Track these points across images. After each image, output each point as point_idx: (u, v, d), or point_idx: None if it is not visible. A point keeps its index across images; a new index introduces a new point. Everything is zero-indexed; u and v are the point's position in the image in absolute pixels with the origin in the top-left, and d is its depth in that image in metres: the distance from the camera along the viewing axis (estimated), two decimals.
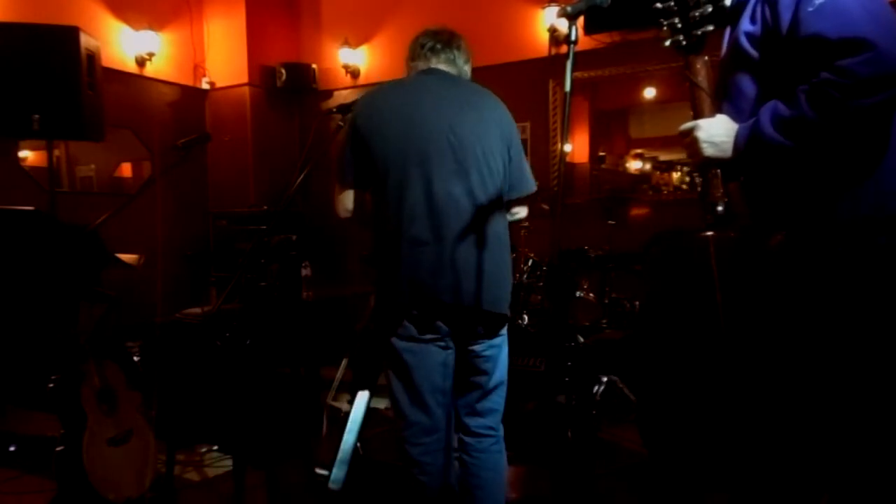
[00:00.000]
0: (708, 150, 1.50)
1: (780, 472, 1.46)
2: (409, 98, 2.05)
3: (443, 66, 2.13)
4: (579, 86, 4.63)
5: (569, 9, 1.58)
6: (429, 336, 1.93)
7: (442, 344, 1.95)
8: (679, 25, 1.50)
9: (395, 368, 1.97)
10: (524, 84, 4.86)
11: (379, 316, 2.01)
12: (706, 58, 1.52)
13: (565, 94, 1.60)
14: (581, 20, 1.63)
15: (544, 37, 4.75)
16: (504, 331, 2.05)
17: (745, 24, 1.52)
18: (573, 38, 1.57)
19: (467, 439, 2.04)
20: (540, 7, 4.79)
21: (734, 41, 1.55)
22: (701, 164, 1.53)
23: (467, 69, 2.17)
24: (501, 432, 2.07)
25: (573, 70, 1.60)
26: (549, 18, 4.70)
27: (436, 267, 1.89)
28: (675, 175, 4.89)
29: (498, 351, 2.04)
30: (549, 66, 4.68)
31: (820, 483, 1.47)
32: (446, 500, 1.98)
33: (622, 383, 3.36)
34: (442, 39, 2.18)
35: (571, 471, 2.27)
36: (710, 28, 1.47)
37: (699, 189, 1.54)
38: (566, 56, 1.59)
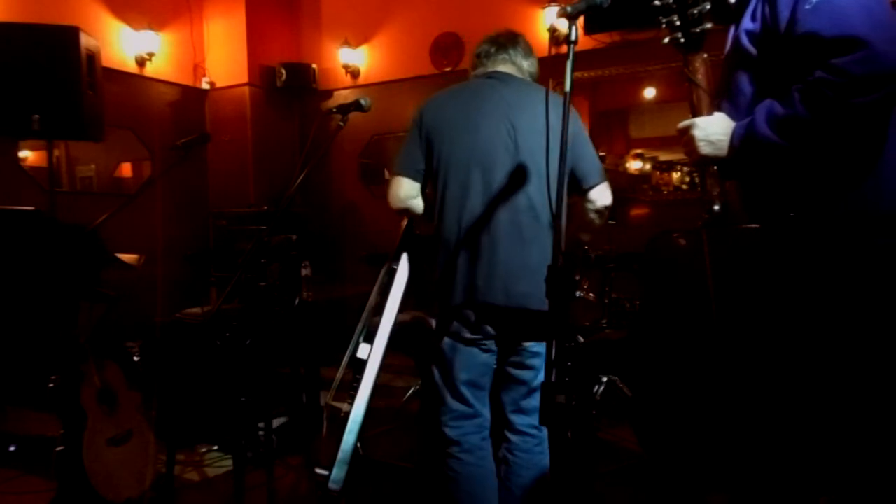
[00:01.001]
0: (705, 149, 1.50)
1: (779, 473, 1.46)
2: (472, 100, 2.08)
3: (502, 68, 2.16)
4: (579, 86, 4.63)
5: (569, 9, 1.58)
6: (475, 337, 2.02)
7: (485, 346, 2.04)
8: (678, 23, 1.50)
9: (438, 361, 2.09)
10: None
11: (436, 310, 2.12)
12: (705, 56, 1.51)
13: (565, 93, 1.59)
14: (581, 20, 1.62)
15: (544, 37, 4.75)
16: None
17: (747, 22, 1.52)
18: (573, 38, 1.57)
19: (512, 437, 2.10)
20: (540, 7, 4.79)
21: (735, 39, 1.56)
22: (698, 162, 1.53)
23: (528, 65, 2.20)
24: (545, 434, 2.10)
25: (573, 70, 1.60)
26: (549, 18, 4.70)
27: (490, 271, 1.95)
28: (675, 175, 4.89)
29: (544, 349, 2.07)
30: (549, 66, 4.63)
31: (819, 484, 1.47)
32: (486, 481, 2.06)
33: (622, 383, 3.35)
34: (498, 42, 2.20)
35: (571, 471, 2.27)
36: (709, 26, 1.47)
37: (699, 188, 1.54)
38: (566, 56, 1.59)
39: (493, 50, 2.18)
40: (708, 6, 1.45)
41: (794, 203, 1.47)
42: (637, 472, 2.80)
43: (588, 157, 2.10)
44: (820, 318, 1.42)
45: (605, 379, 3.37)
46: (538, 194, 1.98)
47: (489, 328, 2.02)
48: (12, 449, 3.13)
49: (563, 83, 1.66)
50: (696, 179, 4.67)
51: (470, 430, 2.08)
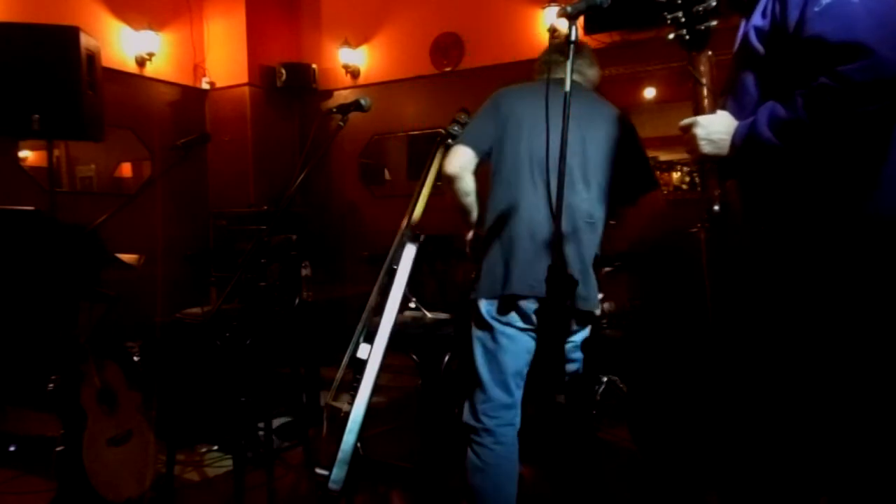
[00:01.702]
0: (706, 148, 1.49)
1: (779, 473, 1.46)
2: (541, 101, 2.08)
3: (568, 85, 2.20)
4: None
5: (569, 9, 1.58)
6: (524, 325, 2.09)
7: (533, 334, 2.11)
8: (683, 20, 1.49)
9: (485, 348, 2.12)
10: None
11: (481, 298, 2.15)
12: (710, 53, 1.50)
13: (565, 93, 1.60)
14: (581, 20, 1.63)
15: (544, 37, 4.75)
16: (588, 329, 2.21)
17: (756, 18, 1.50)
18: (573, 38, 1.57)
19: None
20: (540, 7, 4.79)
21: (744, 36, 1.53)
22: (698, 160, 1.52)
23: (591, 74, 2.33)
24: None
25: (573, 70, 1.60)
26: (549, 18, 4.70)
27: (540, 264, 2.01)
28: (676, 175, 4.89)
29: (580, 345, 2.20)
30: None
31: (819, 484, 1.46)
32: (512, 476, 2.10)
33: (622, 383, 3.35)
34: (564, 51, 2.23)
35: (571, 471, 2.27)
36: (714, 23, 1.46)
37: (699, 188, 1.54)
38: (566, 56, 1.59)
39: (561, 59, 2.27)
40: (714, 3, 1.44)
41: (793, 205, 1.46)
42: (637, 471, 2.80)
43: (642, 163, 2.22)
44: (818, 320, 1.41)
45: (605, 379, 3.37)
46: (597, 205, 2.13)
47: (535, 316, 2.09)
48: (12, 449, 3.13)
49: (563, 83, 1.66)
50: (697, 179, 4.67)
51: (506, 420, 2.12)
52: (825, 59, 1.31)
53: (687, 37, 1.49)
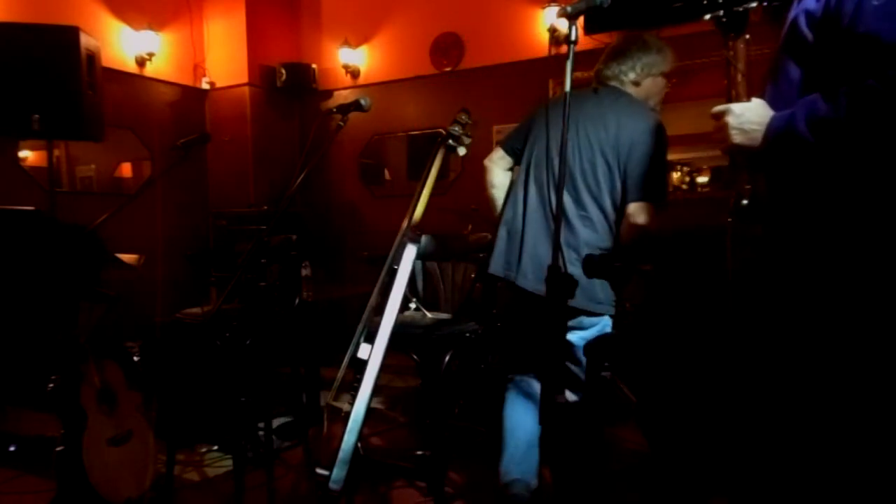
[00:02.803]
0: (737, 138, 1.42)
1: (786, 477, 1.43)
2: (560, 111, 2.19)
3: (568, 85, 2.29)
4: (579, 86, 4.62)
5: (569, 9, 1.58)
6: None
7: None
8: (720, 1, 1.43)
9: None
10: (524, 84, 4.86)
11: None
12: (747, 37, 1.43)
13: (565, 93, 1.59)
14: (581, 20, 1.62)
15: (544, 37, 4.75)
16: (588, 326, 2.29)
17: (809, 1, 1.40)
18: (573, 38, 1.57)
19: None
20: (540, 7, 4.79)
21: (793, 20, 1.44)
22: (729, 150, 1.44)
23: (633, 76, 2.34)
24: None
25: (573, 70, 1.60)
26: (549, 18, 4.70)
27: (511, 250, 2.29)
28: (675, 175, 4.89)
29: (578, 340, 2.28)
30: (549, 66, 4.68)
31: (832, 488, 1.41)
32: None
33: (621, 382, 3.35)
34: (607, 57, 2.39)
35: (571, 471, 2.27)
36: (753, 4, 1.39)
37: (726, 181, 1.50)
38: (566, 56, 1.59)
39: (600, 68, 2.39)
40: None
41: (821, 203, 1.38)
42: (637, 472, 2.80)
43: (638, 173, 2.18)
44: (843, 322, 1.34)
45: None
46: (588, 204, 2.22)
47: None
48: (12, 449, 3.13)
49: (563, 83, 1.66)
50: (697, 180, 4.67)
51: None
52: (877, 59, 1.22)
53: (724, 19, 1.43)
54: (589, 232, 2.22)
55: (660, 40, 2.38)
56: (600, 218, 2.22)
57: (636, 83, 2.34)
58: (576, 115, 2.24)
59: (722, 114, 1.45)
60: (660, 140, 2.21)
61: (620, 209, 2.22)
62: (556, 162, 2.09)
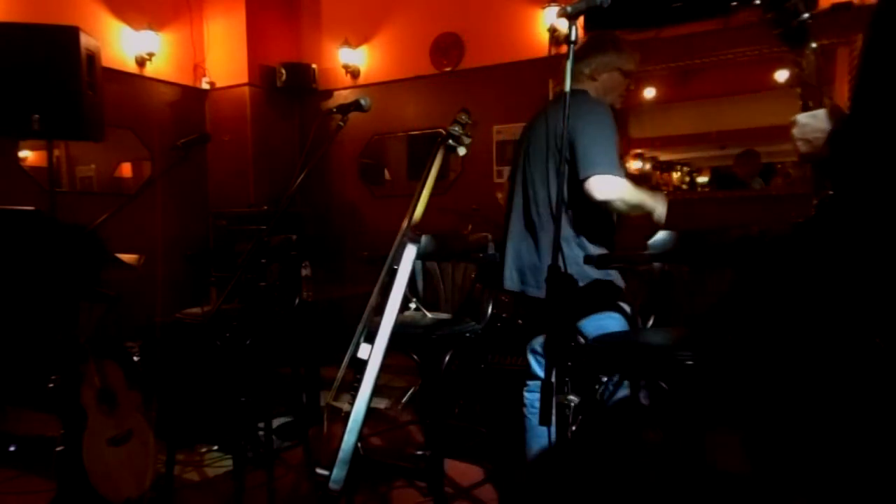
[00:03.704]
0: (802, 147, 1.45)
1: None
2: (538, 119, 2.48)
3: (568, 85, 2.37)
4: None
5: (569, 9, 1.58)
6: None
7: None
8: (778, 17, 1.46)
9: None
10: (524, 84, 4.86)
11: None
12: (814, 46, 1.46)
13: (565, 94, 1.59)
14: (581, 20, 1.62)
15: (544, 37, 4.75)
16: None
17: None
18: (573, 38, 1.57)
19: None
20: (540, 7, 4.79)
21: None
22: (800, 160, 1.48)
23: (587, 70, 2.41)
24: None
25: (573, 70, 1.60)
26: (549, 18, 4.70)
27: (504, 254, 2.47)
28: (675, 175, 4.89)
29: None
30: (549, 66, 4.68)
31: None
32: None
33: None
34: (576, 56, 2.34)
35: (572, 470, 2.27)
36: (806, 16, 1.41)
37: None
38: (566, 56, 1.59)
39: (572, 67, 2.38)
40: None
41: (884, 211, 1.34)
42: (638, 471, 2.80)
43: (581, 148, 2.18)
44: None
45: (605, 379, 3.36)
46: (541, 192, 2.35)
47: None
48: (12, 449, 3.13)
49: (563, 83, 1.66)
50: (698, 179, 4.67)
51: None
52: None
53: (784, 32, 1.46)
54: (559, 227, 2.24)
55: (622, 40, 2.45)
56: (568, 210, 2.29)
57: (592, 77, 2.41)
58: (539, 124, 2.41)
59: (791, 125, 1.47)
60: (598, 118, 2.23)
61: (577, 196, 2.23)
62: (537, 160, 2.35)
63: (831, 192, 1.43)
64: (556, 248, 1.72)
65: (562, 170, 2.05)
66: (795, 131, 1.45)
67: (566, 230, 2.27)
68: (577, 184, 2.17)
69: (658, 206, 2.26)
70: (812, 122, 1.44)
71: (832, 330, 1.36)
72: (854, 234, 1.39)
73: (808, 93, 1.47)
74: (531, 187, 2.38)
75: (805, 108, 1.48)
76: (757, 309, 1.51)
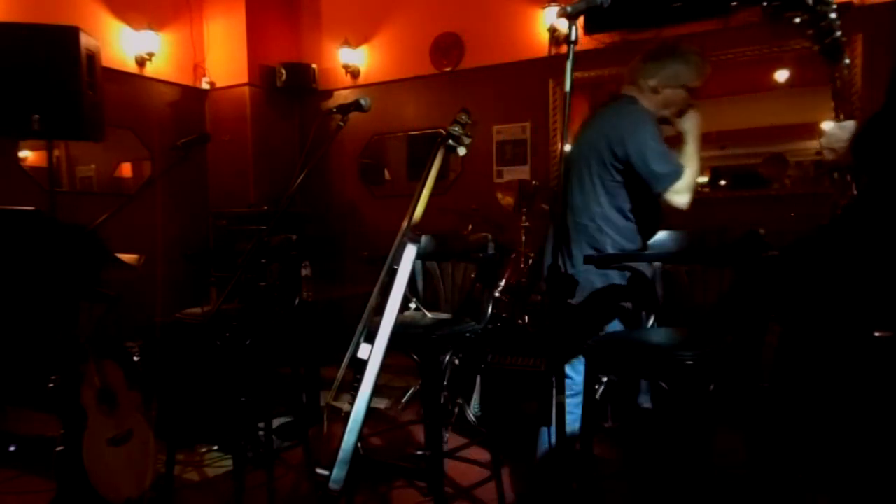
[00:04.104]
0: (828, 156, 1.54)
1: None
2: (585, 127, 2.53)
3: (624, 91, 2.46)
4: (579, 86, 4.63)
5: (569, 9, 1.58)
6: None
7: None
8: (815, 32, 1.56)
9: None
10: (524, 84, 4.86)
11: None
12: (846, 61, 1.56)
13: (565, 94, 1.59)
14: (581, 20, 1.63)
15: (544, 37, 4.75)
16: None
17: None
18: (573, 38, 1.57)
19: None
20: (540, 7, 4.79)
21: None
22: (828, 167, 1.55)
23: (653, 83, 2.38)
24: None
25: (573, 70, 1.60)
26: (549, 18, 4.70)
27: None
28: None
29: None
30: (549, 66, 4.68)
31: None
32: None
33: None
34: (638, 58, 2.45)
35: (572, 470, 2.27)
36: (838, 34, 1.52)
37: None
38: (566, 56, 1.59)
39: (627, 73, 2.46)
40: (833, 16, 1.50)
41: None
42: (637, 471, 2.80)
43: (643, 168, 2.27)
44: None
45: (605, 379, 3.36)
46: (592, 206, 2.38)
47: None
48: (12, 449, 3.13)
49: (563, 83, 1.66)
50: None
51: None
52: None
53: (823, 49, 1.56)
54: (586, 236, 2.38)
55: (693, 52, 2.39)
56: (599, 220, 2.37)
57: (655, 90, 2.37)
58: (585, 131, 2.44)
59: (819, 134, 1.57)
60: (645, 131, 2.27)
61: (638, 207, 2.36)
62: (580, 166, 2.37)
63: (855, 194, 1.49)
64: (557, 250, 1.73)
65: (605, 178, 2.27)
66: (823, 140, 1.54)
67: (610, 237, 2.36)
68: (623, 191, 2.33)
69: (694, 132, 2.40)
70: (839, 132, 1.53)
71: (864, 328, 1.38)
72: (880, 233, 1.42)
73: (841, 105, 1.56)
74: (570, 195, 2.42)
75: (837, 119, 1.57)
76: (787, 308, 1.53)
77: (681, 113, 2.43)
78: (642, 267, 2.31)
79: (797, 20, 1.57)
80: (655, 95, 2.38)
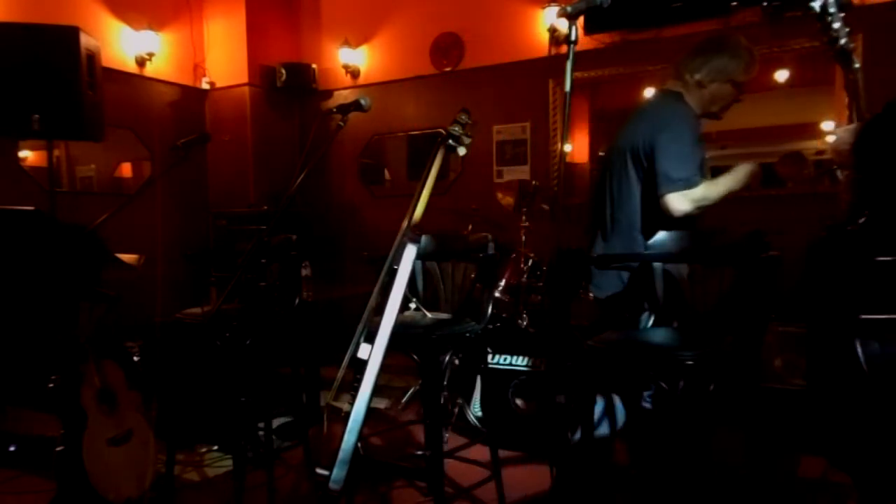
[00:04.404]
0: (836, 157, 1.59)
1: None
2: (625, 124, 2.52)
3: (669, 86, 2.44)
4: (579, 86, 4.63)
5: (569, 9, 1.58)
6: None
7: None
8: (830, 40, 1.61)
9: None
10: (524, 84, 4.86)
11: None
12: (856, 66, 1.60)
13: (565, 94, 1.60)
14: (581, 20, 1.63)
15: (544, 37, 4.75)
16: None
17: None
18: (573, 38, 1.57)
19: None
20: (540, 7, 4.78)
21: None
22: (834, 169, 1.63)
23: (698, 76, 2.33)
24: None
25: (573, 70, 1.60)
26: (549, 18, 4.70)
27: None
28: None
29: None
30: (549, 66, 4.68)
31: None
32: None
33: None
34: (679, 58, 2.42)
35: (572, 470, 2.27)
36: (844, 41, 1.56)
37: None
38: (566, 56, 1.60)
39: (672, 69, 2.43)
40: (837, 24, 1.55)
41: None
42: (637, 472, 2.80)
43: (657, 164, 2.24)
44: None
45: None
46: (616, 192, 2.42)
47: None
48: (12, 449, 3.13)
49: (563, 83, 1.66)
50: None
51: None
52: None
53: (835, 55, 1.62)
54: (613, 236, 2.44)
55: (743, 47, 2.32)
56: (624, 221, 2.41)
57: (700, 84, 2.32)
58: (627, 125, 2.45)
59: (829, 136, 1.60)
60: (679, 127, 2.22)
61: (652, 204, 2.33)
62: (617, 164, 2.39)
63: (847, 199, 1.52)
64: (557, 246, 1.73)
65: (640, 171, 2.27)
66: (831, 142, 1.60)
67: (643, 231, 2.36)
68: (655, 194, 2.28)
69: (740, 178, 2.27)
70: (845, 135, 1.57)
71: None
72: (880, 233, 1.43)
73: (854, 107, 1.60)
74: (607, 191, 2.44)
75: (850, 120, 1.61)
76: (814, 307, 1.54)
77: (724, 109, 2.38)
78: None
79: (818, 24, 1.61)
80: (701, 90, 2.32)
